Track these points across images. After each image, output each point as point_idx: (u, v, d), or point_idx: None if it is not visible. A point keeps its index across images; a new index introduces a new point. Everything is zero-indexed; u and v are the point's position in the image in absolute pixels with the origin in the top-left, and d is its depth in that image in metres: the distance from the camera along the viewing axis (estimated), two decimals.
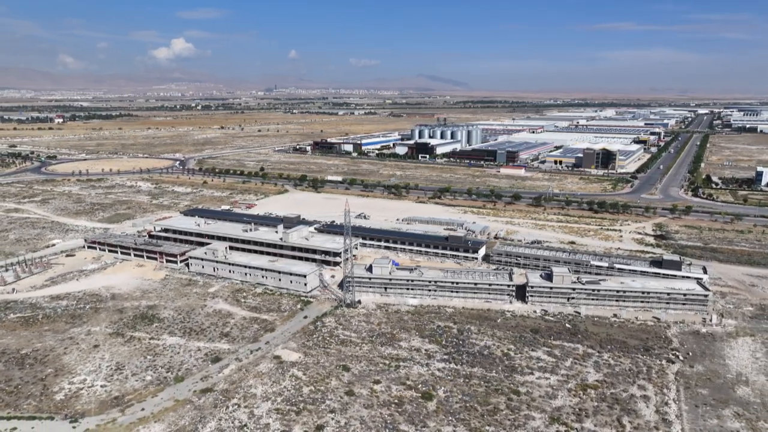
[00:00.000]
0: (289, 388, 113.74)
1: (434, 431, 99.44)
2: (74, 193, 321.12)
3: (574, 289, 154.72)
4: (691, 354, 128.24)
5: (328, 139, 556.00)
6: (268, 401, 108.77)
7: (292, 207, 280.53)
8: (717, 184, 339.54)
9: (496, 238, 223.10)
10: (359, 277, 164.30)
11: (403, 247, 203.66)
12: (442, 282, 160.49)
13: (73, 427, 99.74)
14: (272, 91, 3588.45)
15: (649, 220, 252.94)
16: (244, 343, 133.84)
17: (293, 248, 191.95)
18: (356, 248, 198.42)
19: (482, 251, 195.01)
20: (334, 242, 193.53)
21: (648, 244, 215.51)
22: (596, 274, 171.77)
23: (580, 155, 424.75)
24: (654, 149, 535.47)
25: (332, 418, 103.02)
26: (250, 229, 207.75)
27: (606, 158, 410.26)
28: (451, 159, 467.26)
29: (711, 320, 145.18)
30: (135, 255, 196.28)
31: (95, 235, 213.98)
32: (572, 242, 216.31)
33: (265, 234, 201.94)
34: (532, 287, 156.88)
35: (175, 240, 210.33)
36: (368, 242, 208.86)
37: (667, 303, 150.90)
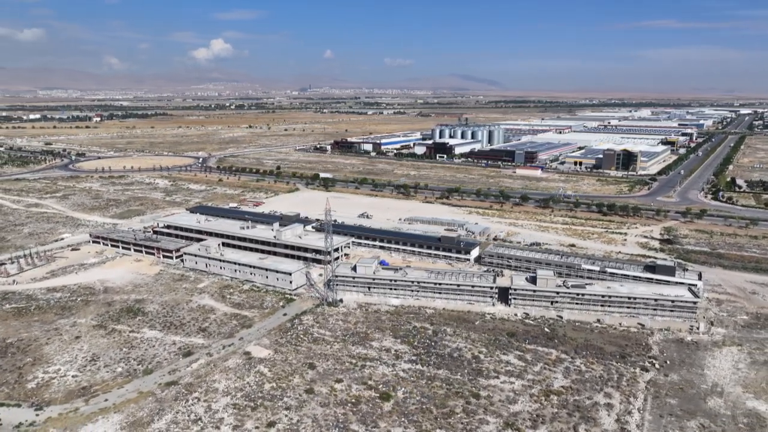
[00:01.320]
0: (251, 384, 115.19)
1: (383, 431, 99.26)
2: (94, 190, 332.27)
3: (558, 292, 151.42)
4: (668, 362, 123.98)
5: (348, 139, 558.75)
6: (228, 396, 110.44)
7: (299, 205, 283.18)
8: (740, 187, 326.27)
9: (495, 239, 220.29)
10: (343, 276, 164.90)
11: (396, 247, 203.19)
12: (425, 283, 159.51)
13: (36, 415, 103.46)
14: (306, 90, 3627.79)
15: (658, 224, 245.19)
16: (218, 339, 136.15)
17: (286, 246, 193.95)
18: (348, 247, 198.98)
19: (475, 252, 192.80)
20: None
21: (651, 248, 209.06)
22: (588, 277, 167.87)
23: (601, 156, 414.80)
24: (683, 150, 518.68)
25: (285, 416, 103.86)
26: (248, 227, 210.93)
27: (627, 159, 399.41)
28: (469, 159, 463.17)
29: (698, 328, 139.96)
30: (134, 250, 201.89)
31: (99, 231, 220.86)
32: (572, 245, 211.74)
33: (260, 232, 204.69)
34: (515, 290, 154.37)
35: (177, 236, 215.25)
36: (363, 242, 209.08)
37: (654, 309, 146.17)
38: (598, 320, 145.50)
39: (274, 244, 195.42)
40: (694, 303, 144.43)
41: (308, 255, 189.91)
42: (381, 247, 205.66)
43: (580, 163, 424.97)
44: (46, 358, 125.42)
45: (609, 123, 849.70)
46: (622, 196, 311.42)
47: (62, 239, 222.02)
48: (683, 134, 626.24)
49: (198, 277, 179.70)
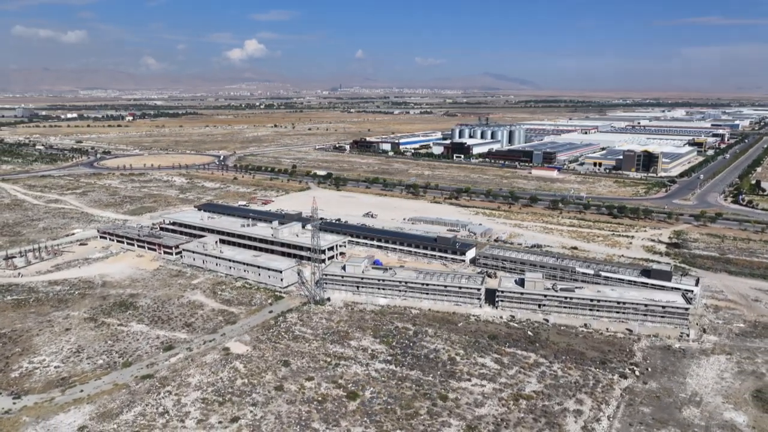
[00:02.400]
0: (224, 379, 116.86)
1: (344, 431, 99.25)
2: (112, 186, 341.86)
3: (545, 296, 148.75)
4: (650, 370, 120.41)
5: (367, 138, 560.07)
6: (198, 390, 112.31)
7: (307, 204, 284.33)
8: (765, 190, 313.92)
9: (496, 241, 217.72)
10: (333, 275, 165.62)
11: (393, 246, 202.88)
12: (412, 283, 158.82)
13: (14, 403, 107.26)
14: (337, 90, 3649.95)
15: (669, 227, 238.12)
16: (201, 334, 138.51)
17: (282, 244, 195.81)
18: (344, 246, 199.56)
19: (471, 253, 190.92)
20: (323, 240, 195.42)
21: (656, 252, 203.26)
22: (582, 281, 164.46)
23: (621, 157, 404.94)
24: (711, 152, 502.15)
25: (251, 411, 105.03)
26: (248, 225, 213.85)
27: (648, 161, 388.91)
28: (486, 159, 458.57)
29: (688, 335, 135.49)
30: (138, 246, 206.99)
31: (106, 226, 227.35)
32: (575, 248, 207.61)
33: (259, 230, 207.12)
34: (502, 292, 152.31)
35: (181, 233, 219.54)
36: (361, 241, 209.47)
37: (645, 315, 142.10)
38: (586, 325, 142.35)
39: (272, 242, 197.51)
40: (686, 309, 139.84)
41: (303, 253, 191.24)
42: (379, 247, 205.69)
43: (600, 164, 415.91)
44: (34, 349, 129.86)
45: (638, 123, 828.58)
46: (637, 198, 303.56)
47: (73, 234, 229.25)
48: (714, 135, 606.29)
49: (194, 274, 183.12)
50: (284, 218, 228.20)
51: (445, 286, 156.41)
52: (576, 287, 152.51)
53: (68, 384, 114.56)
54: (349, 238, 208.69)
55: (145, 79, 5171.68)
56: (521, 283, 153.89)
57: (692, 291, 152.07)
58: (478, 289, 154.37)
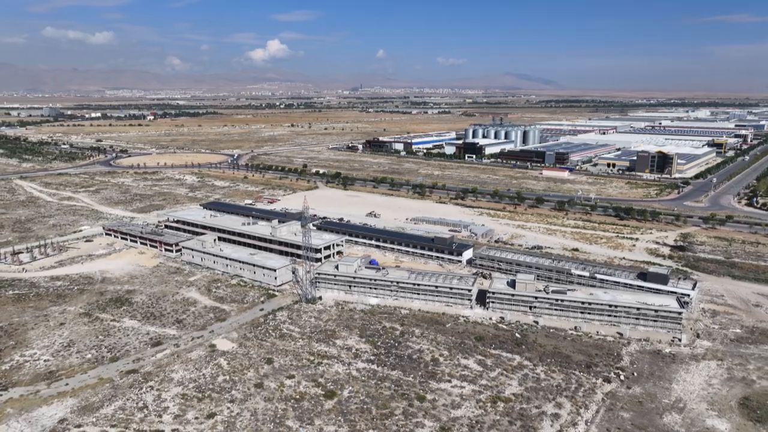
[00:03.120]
0: (206, 375, 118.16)
1: (316, 429, 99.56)
2: (125, 185, 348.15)
3: (536, 297, 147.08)
4: (636, 374, 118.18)
5: (380, 138, 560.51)
6: (180, 386, 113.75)
7: (313, 203, 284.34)
8: None
9: (496, 242, 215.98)
10: (325, 274, 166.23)
11: (391, 246, 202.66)
12: (403, 283, 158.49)
13: (0, 395, 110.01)
14: (357, 90, 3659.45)
15: (677, 230, 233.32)
16: (191, 331, 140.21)
17: (280, 243, 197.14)
18: (340, 245, 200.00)
19: (467, 254, 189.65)
20: (320, 239, 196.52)
21: (660, 255, 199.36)
22: (578, 283, 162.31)
23: (635, 158, 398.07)
24: (731, 153, 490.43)
25: (228, 408, 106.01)
26: (249, 223, 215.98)
27: (662, 162, 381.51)
28: (498, 160, 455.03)
29: (680, 340, 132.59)
30: (140, 243, 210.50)
31: (111, 223, 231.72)
32: (575, 249, 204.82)
33: (259, 228, 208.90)
34: (493, 293, 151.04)
35: (184, 231, 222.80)
36: (360, 240, 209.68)
37: (637, 319, 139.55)
38: (576, 328, 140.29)
39: (270, 241, 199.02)
40: (679, 313, 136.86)
41: (300, 252, 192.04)
42: (377, 247, 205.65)
43: (613, 165, 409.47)
44: (27, 342, 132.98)
45: (659, 124, 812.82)
46: (647, 200, 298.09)
47: (80, 231, 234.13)
48: (737, 136, 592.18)
49: (192, 271, 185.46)
50: (285, 217, 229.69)
51: (436, 287, 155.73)
52: (568, 289, 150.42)
53: (55, 377, 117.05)
54: (347, 238, 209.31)
55: (170, 79, 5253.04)
56: (512, 284, 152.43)
57: (688, 295, 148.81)
58: (469, 290, 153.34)
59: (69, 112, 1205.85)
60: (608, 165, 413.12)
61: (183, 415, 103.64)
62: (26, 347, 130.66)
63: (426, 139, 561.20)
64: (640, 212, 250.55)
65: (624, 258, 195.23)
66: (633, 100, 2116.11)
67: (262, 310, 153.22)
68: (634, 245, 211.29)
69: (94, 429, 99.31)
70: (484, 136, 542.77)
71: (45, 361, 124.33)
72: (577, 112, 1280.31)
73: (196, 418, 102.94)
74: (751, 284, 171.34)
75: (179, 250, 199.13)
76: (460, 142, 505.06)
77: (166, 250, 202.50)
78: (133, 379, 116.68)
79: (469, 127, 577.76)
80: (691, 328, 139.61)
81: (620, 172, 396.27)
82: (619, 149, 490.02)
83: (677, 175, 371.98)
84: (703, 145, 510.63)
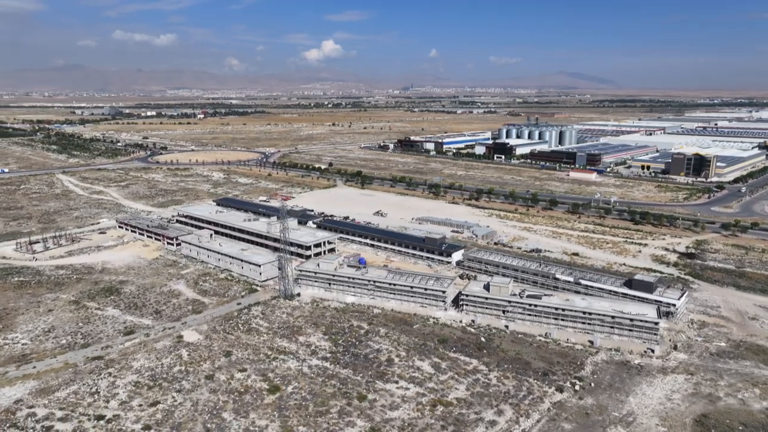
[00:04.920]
0: (165, 365, 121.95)
1: (249, 422, 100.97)
2: (154, 180, 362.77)
3: (509, 301, 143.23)
4: (593, 385, 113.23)
5: (411, 138, 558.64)
6: (136, 374, 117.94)
7: (326, 202, 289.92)
8: None
9: (496, 244, 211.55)
10: (307, 271, 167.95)
11: (385, 246, 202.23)
12: (380, 282, 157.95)
13: None
14: (408, 89, 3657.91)
15: (693, 236, 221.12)
16: (165, 321, 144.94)
17: (275, 240, 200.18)
18: (331, 243, 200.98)
19: (457, 256, 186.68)
20: (312, 236, 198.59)
21: (664, 262, 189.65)
22: (564, 288, 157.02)
23: (670, 161, 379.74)
24: None
25: (172, 397, 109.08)
26: (250, 220, 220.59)
27: (699, 164, 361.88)
28: (528, 160, 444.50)
29: (653, 351, 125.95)
30: (147, 236, 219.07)
31: (124, 217, 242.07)
32: (575, 254, 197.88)
33: (257, 225, 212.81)
34: (466, 296, 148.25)
35: (192, 225, 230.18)
36: (356, 239, 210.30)
37: (612, 327, 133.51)
38: (547, 334, 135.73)
39: (266, 237, 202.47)
40: (656, 324, 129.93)
41: (291, 249, 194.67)
42: (371, 246, 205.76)
43: (648, 167, 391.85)
44: (13, 326, 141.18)
45: (715, 124, 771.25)
46: (671, 204, 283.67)
47: (98, 223, 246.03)
48: None
49: (187, 264, 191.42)
50: (288, 214, 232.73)
51: (411, 287, 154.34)
52: (545, 294, 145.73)
53: (26, 360, 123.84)
54: (345, 236, 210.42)
55: (227, 79, 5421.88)
56: (488, 287, 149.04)
57: (674, 305, 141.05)
58: (443, 292, 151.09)
59: (127, 111, 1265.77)
60: (642, 167, 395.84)
61: (129, 402, 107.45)
62: (11, 331, 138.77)
63: (458, 138, 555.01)
64: (657, 217, 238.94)
65: (624, 264, 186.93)
66: (694, 99, 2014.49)
67: (239, 304, 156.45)
68: (639, 251, 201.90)
69: (43, 411, 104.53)
70: (517, 136, 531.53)
71: (23, 344, 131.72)
72: (630, 113, 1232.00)
73: (140, 405, 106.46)
74: (756, 296, 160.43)
75: (179, 244, 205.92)
76: (490, 142, 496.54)
77: (168, 243, 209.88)
78: (95, 365, 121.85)
79: (502, 127, 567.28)
80: (670, 340, 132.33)
81: (654, 174, 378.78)
82: (658, 151, 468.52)
83: (714, 179, 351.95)
84: (752, 148, 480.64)
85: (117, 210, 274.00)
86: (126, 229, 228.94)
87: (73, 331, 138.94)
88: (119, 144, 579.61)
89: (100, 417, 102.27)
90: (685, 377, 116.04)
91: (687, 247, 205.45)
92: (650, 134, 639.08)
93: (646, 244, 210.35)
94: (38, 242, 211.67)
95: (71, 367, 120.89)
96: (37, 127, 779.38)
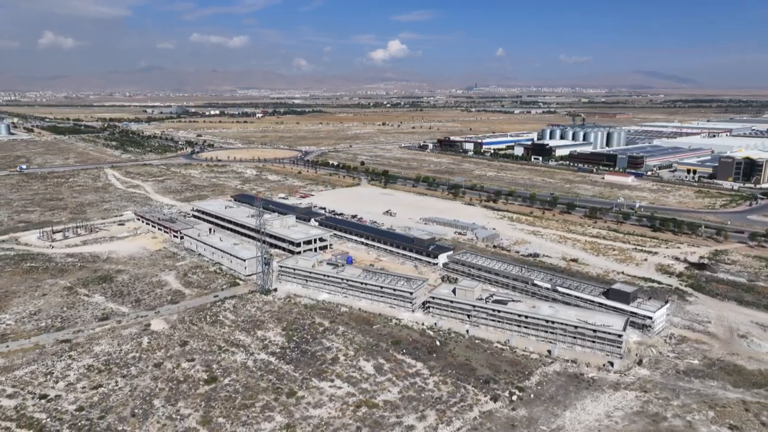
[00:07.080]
0: (122, 351, 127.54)
1: (175, 410, 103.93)
2: (190, 175, 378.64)
3: (474, 306, 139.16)
4: (533, 396, 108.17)
5: (451, 138, 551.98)
6: (93, 358, 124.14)
7: (343, 200, 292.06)
8: None
9: (495, 247, 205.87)
10: (287, 268, 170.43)
11: (377, 245, 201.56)
12: (352, 281, 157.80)
13: None
14: (471, 89, 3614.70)
15: (713, 245, 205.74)
16: (141, 310, 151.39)
17: (270, 236, 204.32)
18: (323, 240, 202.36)
19: (443, 257, 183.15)
20: (304, 233, 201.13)
21: (669, 272, 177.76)
22: (542, 296, 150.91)
23: (717, 164, 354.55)
24: None
25: (115, 381, 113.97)
26: (254, 215, 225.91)
27: (749, 169, 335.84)
28: (566, 162, 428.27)
29: (612, 365, 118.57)
30: (158, 229, 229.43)
31: (141, 210, 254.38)
32: (574, 260, 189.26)
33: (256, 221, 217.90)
34: (432, 298, 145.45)
35: (204, 220, 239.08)
36: (352, 237, 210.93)
37: (574, 337, 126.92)
38: (506, 341, 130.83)
39: (257, 231, 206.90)
40: (619, 336, 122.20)
41: (284, 245, 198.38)
42: (365, 244, 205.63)
43: (694, 172, 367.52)
44: (6, 308, 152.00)
45: None
46: (703, 211, 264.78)
47: (121, 215, 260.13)
48: None
49: (184, 256, 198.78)
50: (294, 211, 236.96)
51: (381, 288, 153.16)
52: (512, 300, 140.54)
53: (2, 340, 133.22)
54: (342, 234, 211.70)
55: (294, 79, 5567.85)
56: (455, 291, 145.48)
57: (650, 317, 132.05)
58: (410, 293, 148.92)
59: (193, 110, 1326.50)
60: (688, 171, 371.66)
61: (75, 384, 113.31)
62: (2, 312, 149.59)
63: (499, 139, 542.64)
64: (677, 224, 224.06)
65: (622, 273, 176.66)
66: None
67: (216, 297, 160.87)
68: (645, 260, 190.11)
69: None
70: (561, 137, 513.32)
71: (6, 325, 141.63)
72: (702, 113, 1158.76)
73: (83, 387, 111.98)
74: (757, 312, 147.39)
75: (182, 237, 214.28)
76: (529, 143, 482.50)
77: (174, 236, 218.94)
78: (61, 347, 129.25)
79: (545, 128, 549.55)
80: (637, 354, 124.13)
81: (699, 179, 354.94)
82: (713, 154, 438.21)
83: (765, 185, 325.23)
84: None
85: (144, 203, 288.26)
86: (141, 222, 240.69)
87: (55, 315, 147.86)
88: (174, 141, 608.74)
89: (43, 396, 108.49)
90: (636, 394, 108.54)
91: (701, 257, 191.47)
92: (714, 136, 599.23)
93: (656, 253, 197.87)
94: (59, 231, 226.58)
95: (39, 349, 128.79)
96: (106, 125, 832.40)
